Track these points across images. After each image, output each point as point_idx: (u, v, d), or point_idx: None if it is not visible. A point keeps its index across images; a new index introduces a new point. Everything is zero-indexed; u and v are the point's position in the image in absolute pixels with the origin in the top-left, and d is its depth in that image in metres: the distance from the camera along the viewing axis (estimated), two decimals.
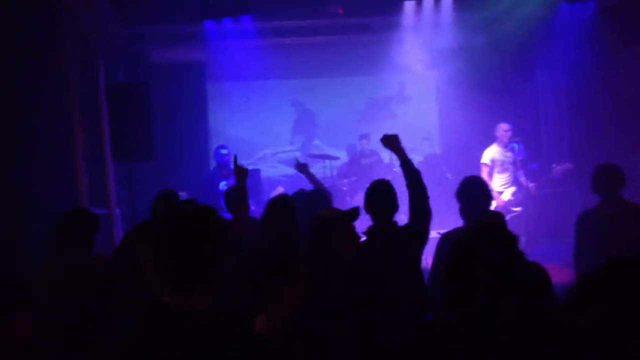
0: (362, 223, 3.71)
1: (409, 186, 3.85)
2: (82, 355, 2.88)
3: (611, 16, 8.47)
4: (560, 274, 4.88)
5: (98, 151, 7.13)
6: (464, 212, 4.10)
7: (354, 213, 3.38)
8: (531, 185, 7.48)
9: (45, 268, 3.38)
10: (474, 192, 4.13)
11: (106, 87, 7.38)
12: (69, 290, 3.12)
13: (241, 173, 4.24)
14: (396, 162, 9.84)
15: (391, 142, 4.08)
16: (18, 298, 2.11)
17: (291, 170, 10.61)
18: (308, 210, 4.72)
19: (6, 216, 5.15)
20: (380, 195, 3.84)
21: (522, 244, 3.64)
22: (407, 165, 3.90)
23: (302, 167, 5.70)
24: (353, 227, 3.41)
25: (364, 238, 3.82)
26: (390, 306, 3.26)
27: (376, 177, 4.40)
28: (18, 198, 5.32)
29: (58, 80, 6.26)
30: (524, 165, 7.83)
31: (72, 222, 3.54)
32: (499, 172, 7.60)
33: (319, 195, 4.98)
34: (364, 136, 9.73)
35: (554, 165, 7.60)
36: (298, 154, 10.18)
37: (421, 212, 3.80)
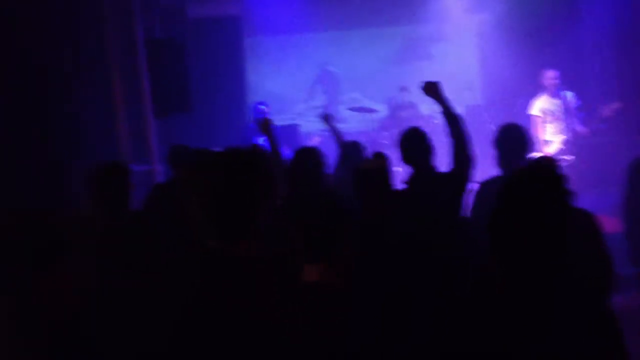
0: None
1: (451, 134, 3.73)
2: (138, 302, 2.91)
3: None
4: (608, 223, 4.77)
5: (138, 106, 7.15)
6: (502, 161, 3.99)
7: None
8: (579, 128, 7.26)
9: (80, 222, 3.39)
10: (512, 139, 4.00)
11: (145, 42, 7.37)
12: (104, 247, 3.12)
13: (266, 126, 4.34)
14: (436, 114, 9.74)
15: (432, 89, 3.93)
16: (57, 250, 2.12)
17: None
18: (344, 162, 4.72)
19: (48, 171, 5.23)
20: (412, 143, 3.79)
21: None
22: (448, 112, 3.77)
23: (327, 118, 5.63)
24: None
25: (404, 186, 3.80)
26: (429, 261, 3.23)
27: None
28: (59, 153, 5.39)
29: (96, 34, 6.28)
30: (578, 112, 7.56)
31: (103, 177, 3.48)
32: (550, 122, 7.38)
33: (352, 147, 4.96)
34: (403, 88, 9.57)
35: (602, 106, 7.34)
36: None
37: (463, 159, 3.69)
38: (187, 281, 1.87)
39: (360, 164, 3.47)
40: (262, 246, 1.87)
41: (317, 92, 10.95)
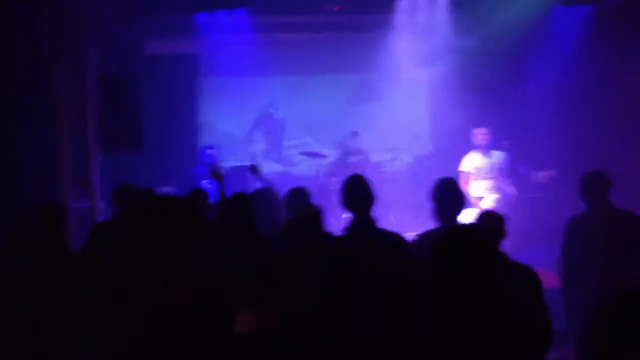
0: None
1: None
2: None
3: (607, 20, 8.45)
4: (546, 278, 4.87)
5: (85, 141, 7.05)
6: (438, 214, 4.10)
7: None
8: (511, 190, 7.42)
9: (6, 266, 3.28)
10: (447, 193, 4.15)
11: (98, 76, 7.32)
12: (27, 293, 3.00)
13: (215, 174, 4.68)
14: (384, 162, 9.84)
15: None
16: None
17: (280, 168, 10.58)
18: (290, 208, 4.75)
19: None
20: (353, 190, 3.87)
21: (507, 248, 3.65)
22: None
23: (253, 169, 5.75)
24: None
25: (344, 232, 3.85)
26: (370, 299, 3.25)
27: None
28: None
29: (47, 65, 6.20)
30: (509, 172, 7.73)
31: (35, 216, 3.39)
32: (479, 179, 7.52)
33: (265, 193, 5.03)
34: (353, 133, 9.69)
35: (536, 172, 7.56)
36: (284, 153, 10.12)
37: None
38: (118, 330, 1.83)
39: (294, 213, 3.52)
40: (195, 293, 1.85)
41: (255, 136, 10.93)
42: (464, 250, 2.08)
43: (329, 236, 4.46)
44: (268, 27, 9.20)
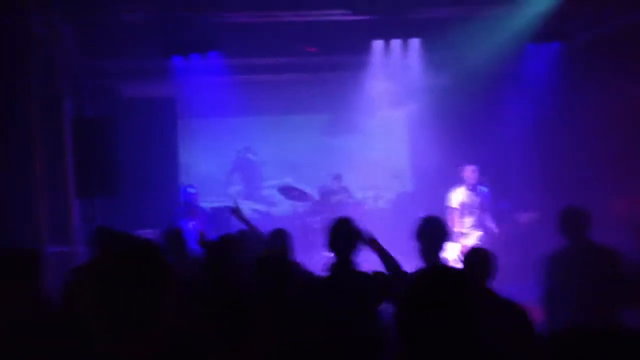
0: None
1: (388, 270, 3.97)
2: None
3: (577, 56, 8.63)
4: (533, 312, 4.84)
5: (62, 186, 6.96)
6: (423, 252, 4.07)
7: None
8: (495, 228, 7.44)
9: None
10: (431, 231, 4.12)
11: (73, 121, 7.27)
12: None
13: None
14: (367, 199, 9.83)
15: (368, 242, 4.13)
16: None
17: (262, 207, 10.53)
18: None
19: None
20: (338, 233, 3.84)
21: (491, 284, 3.62)
22: (384, 256, 4.03)
23: (236, 212, 5.70)
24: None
25: (326, 274, 3.80)
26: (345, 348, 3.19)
27: (346, 214, 4.36)
28: None
29: (20, 110, 6.15)
30: (491, 208, 7.77)
31: (9, 263, 3.29)
32: (465, 215, 7.53)
33: (247, 235, 4.99)
34: (336, 176, 9.70)
35: (520, 213, 7.60)
36: (266, 192, 10.08)
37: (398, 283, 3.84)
38: None
39: (261, 253, 3.49)
40: (160, 346, 1.77)
41: (233, 179, 10.95)
42: (439, 292, 1.98)
43: (309, 275, 4.42)
44: (243, 68, 9.26)
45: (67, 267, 5.26)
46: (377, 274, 3.84)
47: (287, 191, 9.72)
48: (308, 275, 4.36)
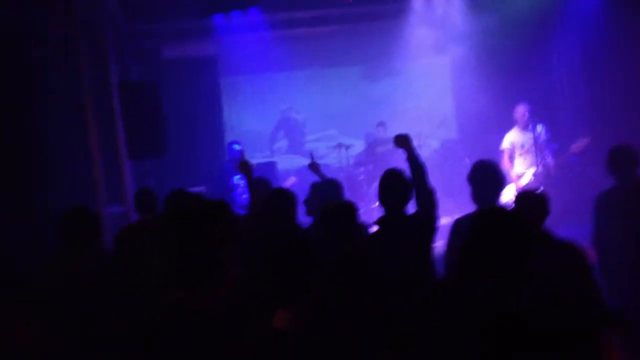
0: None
1: (414, 180, 3.91)
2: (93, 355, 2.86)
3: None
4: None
5: (113, 149, 7.17)
6: (476, 197, 4.06)
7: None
8: (551, 163, 7.37)
9: (48, 269, 3.35)
10: (485, 176, 4.08)
11: (119, 85, 7.41)
12: (70, 293, 3.07)
13: (246, 167, 4.39)
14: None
15: (403, 141, 4.14)
16: (21, 301, 2.10)
17: (306, 161, 10.62)
18: (319, 202, 4.70)
19: (23, 215, 5.20)
20: (389, 187, 3.83)
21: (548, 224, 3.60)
22: (414, 162, 3.99)
23: (313, 167, 5.65)
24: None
25: (375, 228, 3.83)
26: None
27: (392, 165, 4.30)
28: (35, 196, 5.37)
29: (71, 78, 6.32)
30: (548, 145, 7.69)
31: (70, 222, 3.48)
32: (521, 155, 7.53)
33: (328, 186, 4.93)
34: (380, 123, 9.66)
35: (573, 144, 7.47)
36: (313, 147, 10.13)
37: (426, 204, 3.86)
38: (147, 332, 1.85)
39: (326, 206, 3.51)
40: (225, 295, 1.86)
41: (278, 136, 11.04)
42: (496, 234, 2.02)
43: (360, 228, 4.45)
44: (283, 23, 9.25)
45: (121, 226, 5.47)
46: (420, 214, 3.85)
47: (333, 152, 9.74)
48: (363, 229, 4.35)
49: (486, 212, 2.12)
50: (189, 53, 9.90)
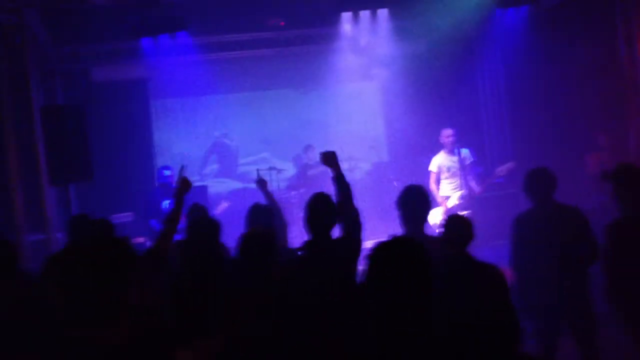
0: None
1: (339, 199, 3.92)
2: None
3: (545, 19, 8.68)
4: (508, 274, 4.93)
5: (35, 174, 6.94)
6: (404, 220, 4.17)
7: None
8: (476, 187, 7.57)
9: None
10: (413, 200, 4.21)
11: (42, 109, 7.21)
12: None
13: (184, 185, 4.11)
14: (345, 171, 9.87)
15: (329, 159, 4.14)
16: None
17: (238, 185, 10.54)
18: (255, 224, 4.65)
19: None
20: (316, 211, 3.82)
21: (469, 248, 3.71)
22: (340, 180, 3.98)
23: (261, 183, 5.58)
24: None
25: (300, 252, 3.83)
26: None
27: (324, 188, 4.33)
28: None
29: None
30: (473, 169, 7.91)
31: None
32: (447, 178, 7.75)
33: (267, 211, 4.90)
34: (308, 147, 9.72)
35: (498, 168, 7.70)
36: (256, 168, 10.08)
37: (350, 222, 3.86)
38: None
39: (242, 235, 3.50)
40: (130, 329, 1.82)
41: (210, 162, 10.95)
42: (394, 262, 2.05)
43: (288, 251, 4.44)
44: (213, 47, 9.26)
45: (45, 255, 5.29)
46: (345, 237, 3.86)
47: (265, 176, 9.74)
48: (289, 253, 4.34)
49: (388, 244, 2.15)
50: (119, 75, 9.74)
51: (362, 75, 10.19)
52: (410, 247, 2.06)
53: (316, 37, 9.53)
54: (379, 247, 2.08)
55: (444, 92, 9.67)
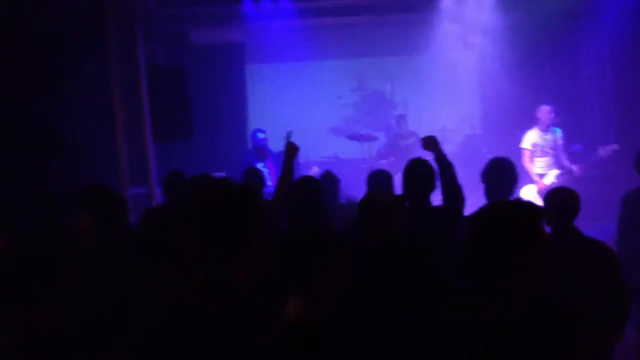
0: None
1: (442, 179, 3.93)
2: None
3: None
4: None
5: (139, 131, 7.23)
6: (489, 194, 4.10)
7: (401, 198, 3.45)
8: (574, 167, 7.30)
9: (72, 246, 3.35)
10: (498, 173, 4.13)
11: (147, 68, 7.47)
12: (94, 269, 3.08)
13: (292, 149, 4.12)
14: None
15: (430, 143, 4.14)
16: (44, 281, 2.13)
17: (329, 152, 10.59)
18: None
19: (49, 195, 5.27)
20: (415, 176, 3.83)
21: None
22: (442, 161, 3.99)
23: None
24: (400, 211, 3.41)
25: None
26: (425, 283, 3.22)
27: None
28: (60, 177, 5.44)
29: (100, 60, 6.39)
30: (566, 148, 7.63)
31: (89, 200, 3.43)
32: (539, 156, 7.49)
33: (387, 176, 4.92)
34: (400, 117, 9.63)
35: (599, 147, 7.38)
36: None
37: (454, 201, 3.87)
38: (167, 315, 1.86)
39: (369, 194, 3.51)
40: (249, 279, 1.88)
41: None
42: (499, 227, 1.96)
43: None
44: (313, 12, 9.24)
45: (144, 207, 5.53)
46: (446, 206, 3.86)
47: (354, 137, 9.72)
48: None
49: (489, 206, 2.09)
50: (217, 38, 9.94)
51: (460, 45, 9.94)
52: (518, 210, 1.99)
53: (415, 5, 9.36)
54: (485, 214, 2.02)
55: (545, 66, 9.32)
